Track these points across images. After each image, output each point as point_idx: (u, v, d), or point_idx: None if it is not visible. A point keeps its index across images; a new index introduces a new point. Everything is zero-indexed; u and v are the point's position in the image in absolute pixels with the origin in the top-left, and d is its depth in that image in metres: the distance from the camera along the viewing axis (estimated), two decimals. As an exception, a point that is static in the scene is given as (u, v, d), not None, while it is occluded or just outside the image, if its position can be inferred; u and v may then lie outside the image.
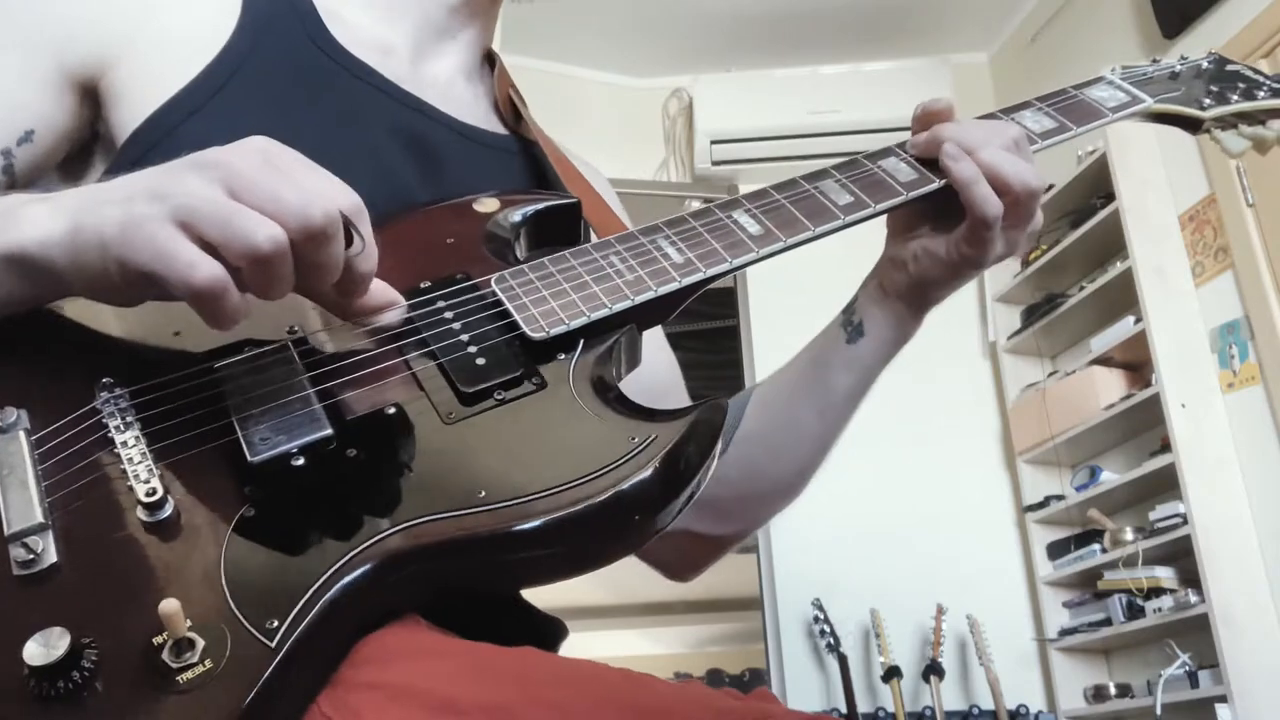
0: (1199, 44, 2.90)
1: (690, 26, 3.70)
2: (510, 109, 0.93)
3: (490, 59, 0.96)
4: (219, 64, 0.75)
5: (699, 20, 3.67)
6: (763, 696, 0.55)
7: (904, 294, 0.82)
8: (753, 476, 0.86)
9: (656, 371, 0.91)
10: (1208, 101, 0.85)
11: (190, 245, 0.52)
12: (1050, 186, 3.22)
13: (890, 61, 3.77)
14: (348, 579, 0.51)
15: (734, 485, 0.84)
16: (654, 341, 0.92)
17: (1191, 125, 0.85)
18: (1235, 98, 0.85)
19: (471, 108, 0.90)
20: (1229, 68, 0.89)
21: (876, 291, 0.83)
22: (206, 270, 0.52)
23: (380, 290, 0.61)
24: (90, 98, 0.74)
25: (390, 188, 0.77)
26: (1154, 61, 0.88)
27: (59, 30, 0.73)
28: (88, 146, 0.77)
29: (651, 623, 3.15)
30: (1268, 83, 0.87)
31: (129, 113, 0.73)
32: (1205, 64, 0.88)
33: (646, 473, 0.56)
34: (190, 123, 0.72)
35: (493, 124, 0.91)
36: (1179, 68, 0.88)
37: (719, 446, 0.60)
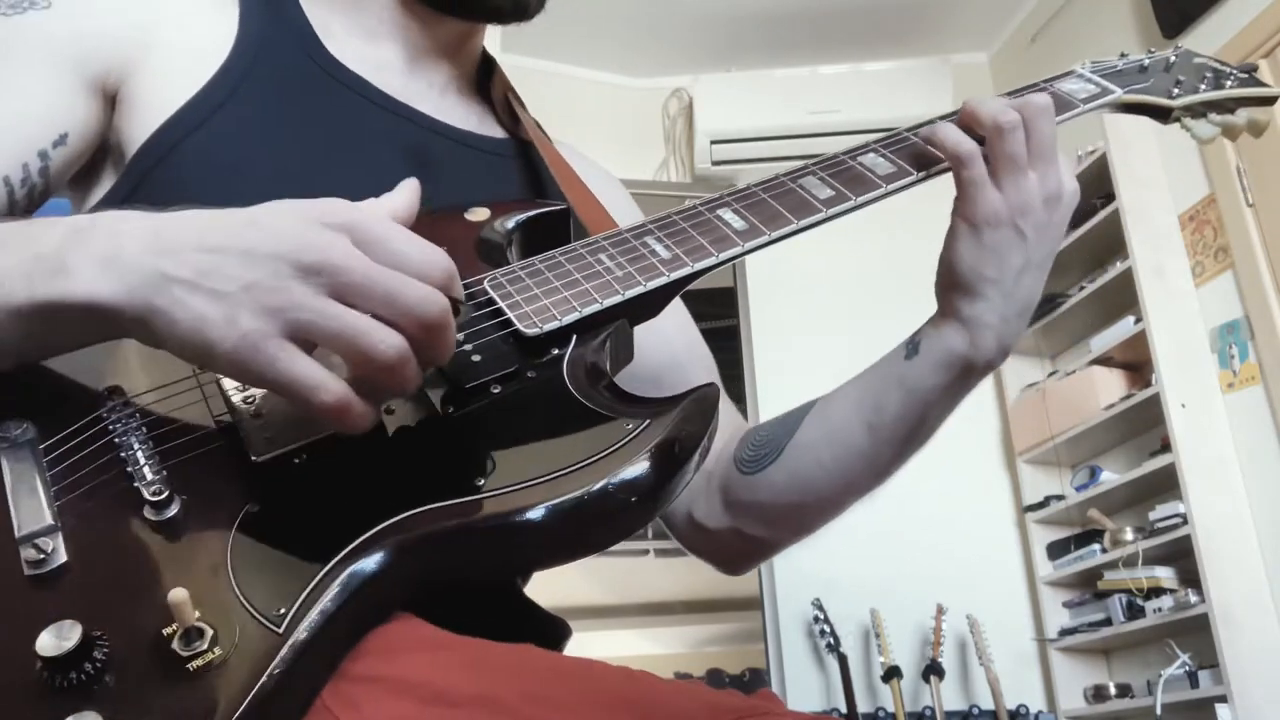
0: (1199, 44, 2.90)
1: (690, 26, 3.70)
2: (508, 112, 0.93)
3: (488, 63, 0.96)
4: (219, 80, 0.77)
5: (699, 20, 3.67)
6: (765, 698, 0.55)
7: (942, 301, 0.78)
8: (799, 487, 0.84)
9: (674, 353, 0.92)
10: (1176, 91, 0.87)
11: (311, 366, 0.52)
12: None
13: (890, 61, 3.77)
14: (351, 568, 0.52)
15: (781, 493, 0.84)
16: (676, 323, 0.92)
17: (1161, 114, 0.87)
18: (1203, 87, 0.87)
19: (466, 114, 0.91)
20: (1196, 60, 0.91)
21: (936, 314, 0.80)
22: (333, 394, 0.52)
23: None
24: (111, 106, 0.76)
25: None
26: (1122, 56, 0.90)
27: (82, 40, 0.75)
28: (99, 158, 0.78)
29: (651, 623, 3.15)
30: (1234, 72, 0.89)
31: (138, 123, 0.75)
32: (1173, 57, 0.90)
33: (641, 458, 0.57)
34: (192, 139, 0.74)
35: (490, 128, 0.92)
36: (1147, 61, 0.90)
37: (711, 430, 0.61)
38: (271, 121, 0.77)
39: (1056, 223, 0.75)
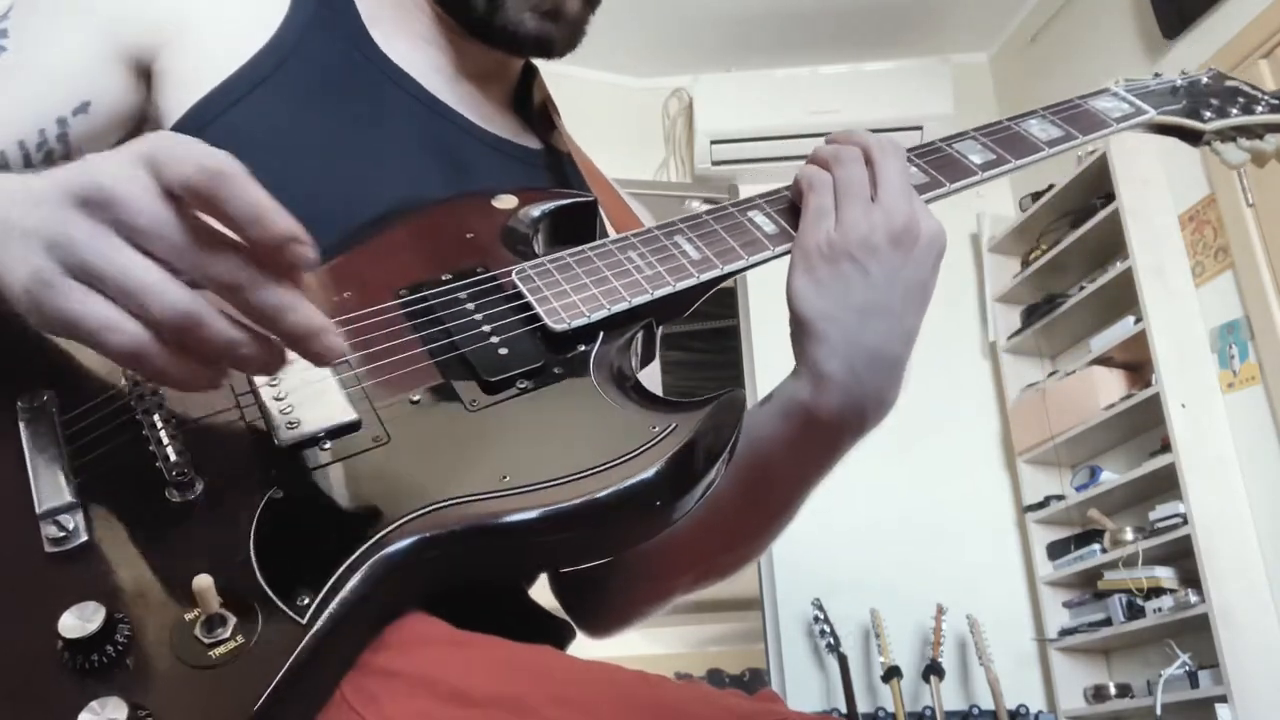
0: (1199, 44, 2.90)
1: (690, 26, 3.70)
2: (545, 121, 0.93)
3: (529, 71, 0.97)
4: (262, 59, 0.77)
5: (699, 20, 3.67)
6: (768, 698, 0.55)
7: (794, 347, 0.71)
8: None
9: None
10: (1208, 115, 0.87)
11: (100, 307, 0.47)
12: (1050, 187, 3.23)
13: (890, 61, 3.77)
14: (375, 559, 0.52)
15: None
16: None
17: (1192, 137, 0.88)
18: (1235, 111, 0.87)
19: (504, 121, 0.91)
20: (1228, 83, 0.91)
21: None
22: (127, 335, 0.47)
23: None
24: (146, 79, 0.77)
25: (417, 195, 0.78)
26: (1156, 76, 0.90)
27: (115, 8, 0.75)
28: (139, 130, 0.78)
29: (651, 623, 3.15)
30: (1266, 98, 0.89)
31: (175, 97, 0.75)
32: (1205, 79, 0.90)
33: (667, 461, 0.56)
34: (227, 115, 0.74)
35: (525, 138, 0.92)
36: (1180, 82, 0.90)
37: (737, 434, 0.60)
38: (307, 107, 0.77)
39: (915, 266, 0.68)
